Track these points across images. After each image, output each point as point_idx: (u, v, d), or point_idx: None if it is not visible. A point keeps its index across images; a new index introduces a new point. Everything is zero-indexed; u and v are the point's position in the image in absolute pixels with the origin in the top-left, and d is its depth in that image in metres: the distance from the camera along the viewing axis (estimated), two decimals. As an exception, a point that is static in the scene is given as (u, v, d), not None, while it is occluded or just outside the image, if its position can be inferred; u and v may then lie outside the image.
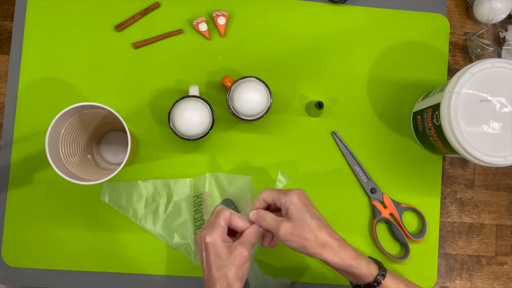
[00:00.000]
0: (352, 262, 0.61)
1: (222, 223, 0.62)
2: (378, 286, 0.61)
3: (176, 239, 0.74)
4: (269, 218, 0.62)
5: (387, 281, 0.61)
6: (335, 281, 0.75)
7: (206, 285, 0.61)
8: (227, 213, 0.63)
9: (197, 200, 0.75)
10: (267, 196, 0.64)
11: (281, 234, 0.61)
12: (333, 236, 0.61)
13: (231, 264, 0.59)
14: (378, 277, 0.61)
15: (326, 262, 0.61)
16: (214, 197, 0.75)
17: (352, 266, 0.61)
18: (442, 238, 0.77)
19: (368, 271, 0.61)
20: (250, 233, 0.62)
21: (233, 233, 0.65)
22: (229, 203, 0.74)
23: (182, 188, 0.75)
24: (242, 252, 0.60)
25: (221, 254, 0.60)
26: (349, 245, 0.62)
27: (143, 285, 0.74)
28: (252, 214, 0.64)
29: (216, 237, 0.60)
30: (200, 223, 0.74)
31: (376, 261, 0.63)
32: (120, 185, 0.74)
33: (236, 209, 0.73)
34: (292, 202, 0.61)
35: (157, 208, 0.74)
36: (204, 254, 0.61)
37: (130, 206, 0.74)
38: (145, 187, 0.74)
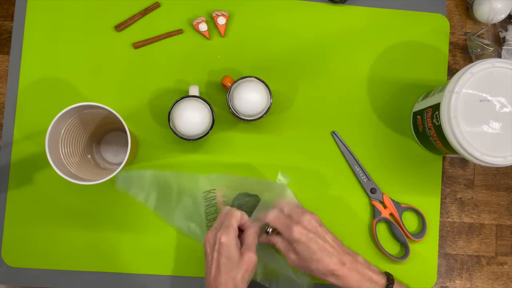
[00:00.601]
0: (356, 286, 0.62)
1: (235, 225, 0.63)
2: None
3: (191, 227, 0.74)
4: (280, 244, 0.65)
5: None
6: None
7: (210, 285, 0.61)
8: (238, 214, 0.64)
9: (209, 195, 0.74)
10: (275, 222, 0.65)
11: (289, 262, 0.64)
12: (341, 261, 0.63)
13: (240, 268, 0.61)
14: None
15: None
16: (228, 193, 0.74)
17: None
18: (442, 238, 0.77)
19: None
20: (252, 236, 0.64)
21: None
22: (242, 196, 0.74)
23: (193, 182, 0.74)
24: (251, 257, 0.62)
25: (233, 257, 0.61)
26: (360, 262, 0.64)
27: (144, 285, 0.74)
28: (262, 238, 0.67)
29: (231, 239, 0.62)
30: (213, 216, 0.73)
31: (386, 276, 0.64)
32: (134, 174, 0.74)
33: (252, 201, 0.73)
34: (295, 240, 0.63)
35: (170, 199, 0.74)
36: (215, 255, 0.62)
37: (143, 193, 0.73)
38: (158, 177, 0.74)
